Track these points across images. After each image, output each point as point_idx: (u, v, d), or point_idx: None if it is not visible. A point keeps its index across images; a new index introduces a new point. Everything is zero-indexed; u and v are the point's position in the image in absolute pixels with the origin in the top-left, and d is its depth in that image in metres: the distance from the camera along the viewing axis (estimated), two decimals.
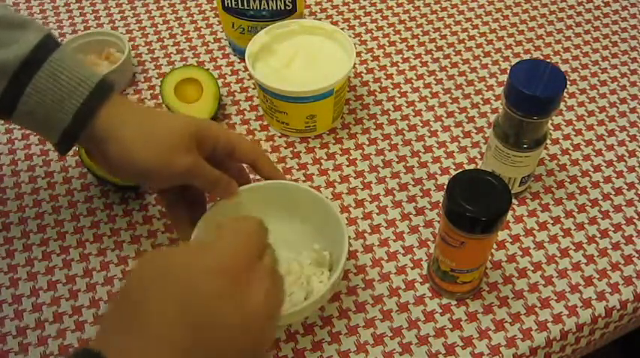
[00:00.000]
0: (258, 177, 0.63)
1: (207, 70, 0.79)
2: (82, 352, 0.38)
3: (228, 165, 0.60)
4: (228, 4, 0.77)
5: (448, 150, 0.73)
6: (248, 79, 0.81)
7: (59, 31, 0.87)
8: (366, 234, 0.66)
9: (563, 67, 0.82)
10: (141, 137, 0.54)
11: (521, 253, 0.65)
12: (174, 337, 0.38)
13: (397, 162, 0.72)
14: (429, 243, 0.66)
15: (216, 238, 0.43)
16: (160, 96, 0.78)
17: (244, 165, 0.64)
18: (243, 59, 0.82)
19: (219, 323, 0.40)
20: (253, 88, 0.80)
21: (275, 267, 0.45)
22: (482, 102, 0.78)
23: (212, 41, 0.85)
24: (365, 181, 0.71)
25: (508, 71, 0.75)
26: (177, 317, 0.39)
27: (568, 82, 0.80)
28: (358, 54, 0.84)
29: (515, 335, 0.59)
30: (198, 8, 0.90)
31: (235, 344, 0.40)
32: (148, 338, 0.38)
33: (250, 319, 0.41)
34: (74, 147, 0.59)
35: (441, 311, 0.61)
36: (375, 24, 0.88)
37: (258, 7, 0.76)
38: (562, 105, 0.78)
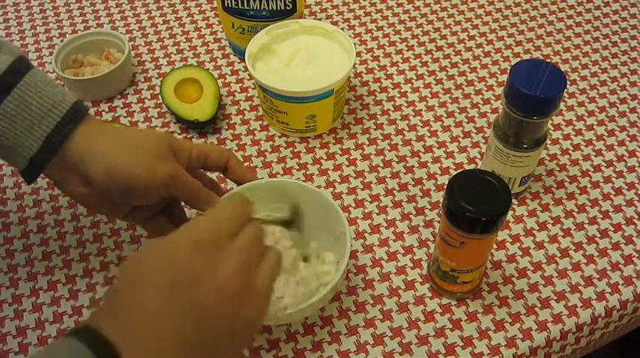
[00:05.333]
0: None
1: (207, 70, 0.79)
2: (82, 328, 0.39)
3: (201, 179, 0.60)
4: (228, 4, 0.77)
5: (448, 150, 0.73)
6: (248, 79, 0.81)
7: (59, 31, 0.87)
8: (366, 234, 0.66)
9: (563, 67, 0.82)
10: (123, 149, 0.54)
11: (521, 253, 0.65)
12: (162, 314, 0.40)
13: (397, 162, 0.72)
14: (429, 243, 0.66)
15: (197, 218, 0.46)
16: (159, 96, 0.78)
17: (216, 178, 0.64)
18: (243, 59, 0.82)
19: (195, 292, 0.41)
20: (253, 88, 0.80)
21: (253, 244, 0.45)
22: (482, 102, 0.78)
23: (212, 41, 0.85)
24: (365, 181, 0.71)
25: (508, 71, 0.75)
26: (161, 301, 0.40)
27: (568, 82, 0.80)
28: (358, 54, 0.84)
29: (515, 335, 0.59)
30: (198, 8, 0.90)
31: (214, 318, 0.41)
32: (137, 317, 0.40)
33: (222, 294, 0.42)
34: None
35: (441, 311, 0.61)
36: (375, 24, 0.88)
37: (258, 7, 0.76)
38: (562, 105, 0.78)
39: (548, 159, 0.73)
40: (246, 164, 0.72)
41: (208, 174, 0.64)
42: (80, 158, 0.53)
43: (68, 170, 0.54)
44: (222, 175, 0.63)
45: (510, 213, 0.68)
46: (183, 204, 0.62)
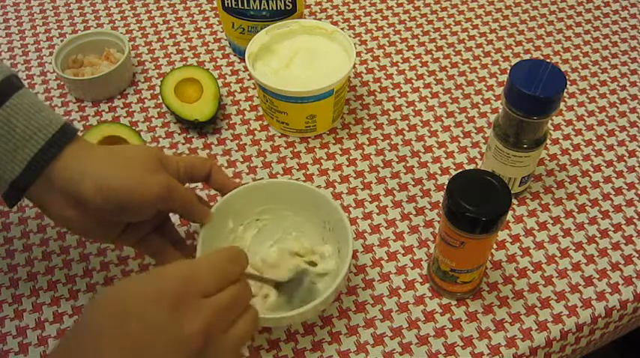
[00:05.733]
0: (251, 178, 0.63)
1: (207, 70, 0.79)
2: None
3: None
4: (228, 4, 0.77)
5: (448, 150, 0.73)
6: (248, 79, 0.81)
7: (59, 31, 0.87)
8: (366, 234, 0.66)
9: (563, 67, 0.82)
10: (114, 166, 0.53)
11: (521, 253, 0.65)
12: None
13: (397, 162, 0.72)
14: (429, 243, 0.66)
15: (179, 263, 0.44)
16: (160, 96, 0.78)
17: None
18: (243, 59, 0.82)
19: (158, 351, 0.40)
20: (253, 88, 0.80)
21: (230, 305, 0.44)
22: (482, 102, 0.78)
23: (212, 41, 0.85)
24: (365, 181, 0.71)
25: (508, 71, 0.75)
26: (122, 346, 0.39)
27: (568, 82, 0.80)
28: (358, 54, 0.84)
29: (515, 335, 0.59)
30: (198, 8, 0.90)
31: None
32: None
33: (179, 349, 0.40)
34: None
35: (441, 311, 0.61)
36: (375, 24, 0.88)
37: (258, 7, 0.76)
38: (562, 105, 0.78)
39: (548, 159, 0.73)
40: (246, 164, 0.72)
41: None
42: (69, 179, 0.51)
43: (54, 193, 0.52)
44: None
45: (510, 213, 0.68)
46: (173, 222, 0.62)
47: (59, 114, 0.54)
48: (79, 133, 0.54)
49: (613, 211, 0.68)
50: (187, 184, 0.60)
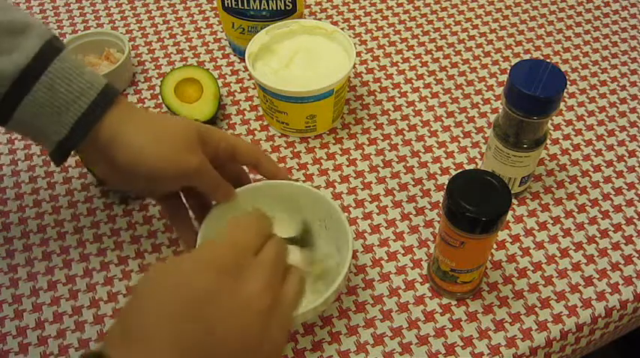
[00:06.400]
0: (259, 176, 0.63)
1: (207, 70, 0.79)
2: (93, 354, 0.38)
3: (228, 168, 0.60)
4: (228, 4, 0.77)
5: (448, 150, 0.73)
6: (248, 79, 0.81)
7: (59, 31, 0.87)
8: (366, 234, 0.66)
9: (563, 67, 0.82)
10: (150, 138, 0.54)
11: (521, 253, 0.65)
12: (172, 346, 0.39)
13: (397, 162, 0.72)
14: (429, 243, 0.66)
15: (213, 240, 0.44)
16: (160, 96, 0.78)
17: (244, 168, 0.64)
18: (243, 59, 0.82)
19: (212, 323, 0.40)
20: (253, 88, 0.80)
21: (278, 260, 0.45)
22: (482, 102, 0.78)
23: (212, 41, 0.85)
24: (365, 181, 0.71)
25: (508, 71, 0.75)
26: (172, 327, 0.39)
27: (568, 82, 0.80)
28: (358, 54, 0.84)
29: (515, 335, 0.59)
30: (198, 8, 0.90)
31: (234, 342, 0.40)
32: (147, 352, 0.38)
33: (244, 314, 0.41)
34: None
35: (441, 311, 0.61)
36: (375, 24, 0.88)
37: (258, 7, 0.76)
38: (562, 105, 0.78)
39: (548, 159, 0.73)
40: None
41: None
42: (108, 143, 0.54)
43: (97, 152, 0.55)
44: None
45: (510, 213, 0.68)
46: None
47: (99, 75, 0.55)
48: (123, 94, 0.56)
49: (613, 211, 0.68)
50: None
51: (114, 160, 0.54)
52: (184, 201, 0.62)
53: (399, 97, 0.79)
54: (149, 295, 0.41)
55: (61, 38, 0.85)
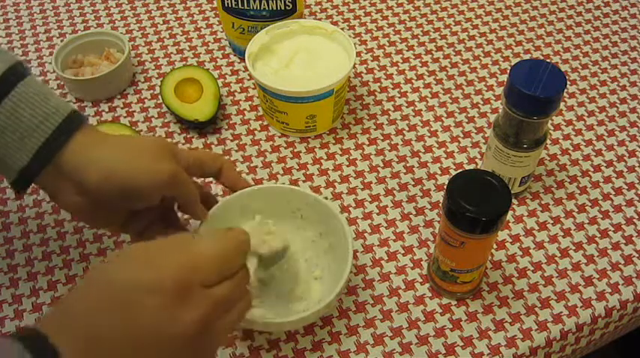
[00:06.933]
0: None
1: (207, 70, 0.79)
2: (27, 330, 0.40)
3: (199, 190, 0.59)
4: (228, 4, 0.77)
5: (448, 150, 0.73)
6: (248, 79, 0.81)
7: (59, 31, 0.87)
8: (366, 234, 0.66)
9: (563, 67, 0.82)
10: (122, 154, 0.53)
11: (521, 253, 0.65)
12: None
13: (397, 162, 0.72)
14: (429, 243, 0.66)
15: (181, 246, 0.44)
16: (160, 96, 0.78)
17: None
18: (243, 59, 0.82)
19: (151, 341, 0.41)
20: (253, 88, 0.80)
21: (229, 297, 0.45)
22: (482, 102, 0.78)
23: (212, 41, 0.85)
24: (365, 181, 0.71)
25: (508, 71, 0.75)
26: (90, 320, 0.40)
27: (568, 82, 0.80)
28: (358, 54, 0.84)
29: (515, 335, 0.59)
30: (198, 8, 0.90)
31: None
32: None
33: (177, 338, 0.41)
34: None
35: (441, 311, 0.61)
36: (375, 24, 0.88)
37: (258, 7, 0.76)
38: (562, 105, 0.78)
39: (548, 159, 0.73)
40: (246, 164, 0.72)
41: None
42: (76, 166, 0.51)
43: (62, 179, 0.52)
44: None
45: (510, 213, 0.68)
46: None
47: (66, 102, 0.54)
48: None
49: (613, 211, 0.68)
50: (201, 180, 0.60)
51: (82, 184, 0.52)
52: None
53: (399, 97, 0.79)
54: (88, 284, 0.42)
55: (61, 38, 0.86)
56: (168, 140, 0.58)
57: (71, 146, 0.52)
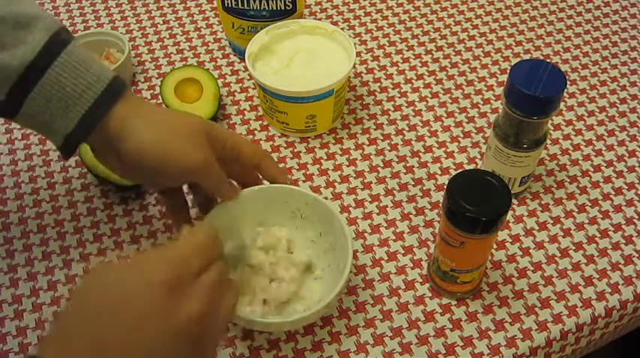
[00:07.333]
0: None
1: (207, 70, 0.79)
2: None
3: (234, 166, 0.60)
4: (228, 4, 0.77)
5: (448, 150, 0.73)
6: (248, 79, 0.81)
7: None
8: (366, 234, 0.66)
9: (563, 67, 0.82)
10: (157, 133, 0.54)
11: (521, 253, 0.65)
12: None
13: (397, 162, 0.72)
14: (429, 243, 0.66)
15: (161, 248, 0.45)
16: (160, 96, 0.78)
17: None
18: (243, 59, 0.82)
19: (149, 342, 0.41)
20: (253, 88, 0.80)
21: (219, 282, 0.45)
22: (482, 102, 0.78)
23: (212, 41, 0.85)
24: (365, 181, 0.71)
25: (508, 71, 0.75)
26: (93, 330, 0.40)
27: (568, 82, 0.80)
28: (358, 54, 0.84)
29: (515, 335, 0.59)
30: (198, 8, 0.90)
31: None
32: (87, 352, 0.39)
33: (179, 335, 0.41)
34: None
35: (441, 311, 0.61)
36: (375, 24, 0.88)
37: (258, 7, 0.76)
38: (562, 105, 0.78)
39: (548, 159, 0.73)
40: None
41: None
42: (116, 135, 0.53)
43: (105, 144, 0.55)
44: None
45: (510, 213, 0.68)
46: None
47: (107, 67, 0.55)
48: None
49: (613, 211, 0.68)
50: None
51: (120, 152, 0.54)
52: (191, 196, 0.62)
53: (399, 97, 0.79)
54: (84, 296, 0.42)
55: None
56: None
57: (113, 114, 0.54)
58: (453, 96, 0.79)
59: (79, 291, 0.43)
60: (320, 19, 0.88)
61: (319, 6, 0.90)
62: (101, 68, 0.54)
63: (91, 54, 0.55)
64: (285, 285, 0.58)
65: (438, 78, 0.81)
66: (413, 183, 0.71)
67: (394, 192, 0.70)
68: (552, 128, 0.76)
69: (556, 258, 0.65)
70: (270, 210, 0.62)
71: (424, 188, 0.70)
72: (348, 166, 0.72)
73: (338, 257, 0.59)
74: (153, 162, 0.53)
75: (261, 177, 0.62)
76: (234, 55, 0.84)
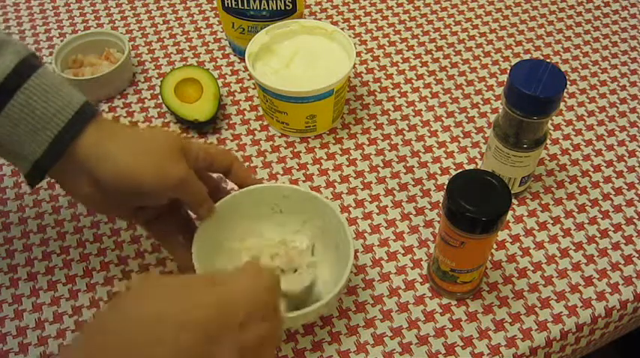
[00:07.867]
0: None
1: (207, 70, 0.79)
2: None
3: (206, 180, 0.59)
4: (228, 4, 0.77)
5: (448, 150, 0.73)
6: (248, 79, 0.81)
7: (59, 31, 0.87)
8: (366, 234, 0.66)
9: (563, 67, 0.82)
10: (135, 152, 0.53)
11: (521, 253, 0.65)
12: None
13: (397, 162, 0.72)
14: (429, 243, 0.66)
15: (217, 283, 0.42)
16: (160, 96, 0.78)
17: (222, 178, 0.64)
18: (243, 59, 0.82)
19: None
20: (253, 88, 0.80)
21: (263, 342, 0.42)
22: (482, 102, 0.78)
23: (212, 41, 0.85)
24: (365, 181, 0.71)
25: (508, 71, 0.75)
26: None
27: (568, 82, 0.80)
28: (358, 54, 0.84)
29: (515, 335, 0.59)
30: (198, 8, 0.90)
31: None
32: None
33: None
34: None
35: (441, 311, 0.61)
36: (375, 24, 0.88)
37: (258, 7, 0.76)
38: (562, 105, 0.78)
39: (548, 159, 0.73)
40: (246, 164, 0.72)
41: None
42: (87, 160, 0.52)
43: (74, 170, 0.53)
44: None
45: (510, 213, 0.68)
46: None
47: (79, 92, 0.54)
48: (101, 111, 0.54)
49: (613, 211, 0.68)
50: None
51: (98, 177, 0.52)
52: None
53: (399, 97, 0.79)
54: (118, 322, 0.39)
55: (61, 38, 0.86)
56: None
57: (83, 139, 0.52)
58: (453, 96, 0.79)
59: (104, 317, 0.40)
60: (320, 19, 0.88)
61: (319, 6, 0.90)
62: (72, 93, 0.53)
63: (62, 79, 0.54)
64: (304, 272, 0.58)
65: (438, 78, 0.81)
66: (413, 183, 0.71)
67: (394, 192, 0.70)
68: (552, 128, 0.76)
69: (556, 258, 0.65)
70: (256, 211, 0.62)
71: (424, 188, 0.70)
72: (348, 166, 0.72)
73: (338, 257, 0.59)
74: (134, 183, 0.52)
75: (228, 182, 0.61)
76: (234, 55, 0.84)
